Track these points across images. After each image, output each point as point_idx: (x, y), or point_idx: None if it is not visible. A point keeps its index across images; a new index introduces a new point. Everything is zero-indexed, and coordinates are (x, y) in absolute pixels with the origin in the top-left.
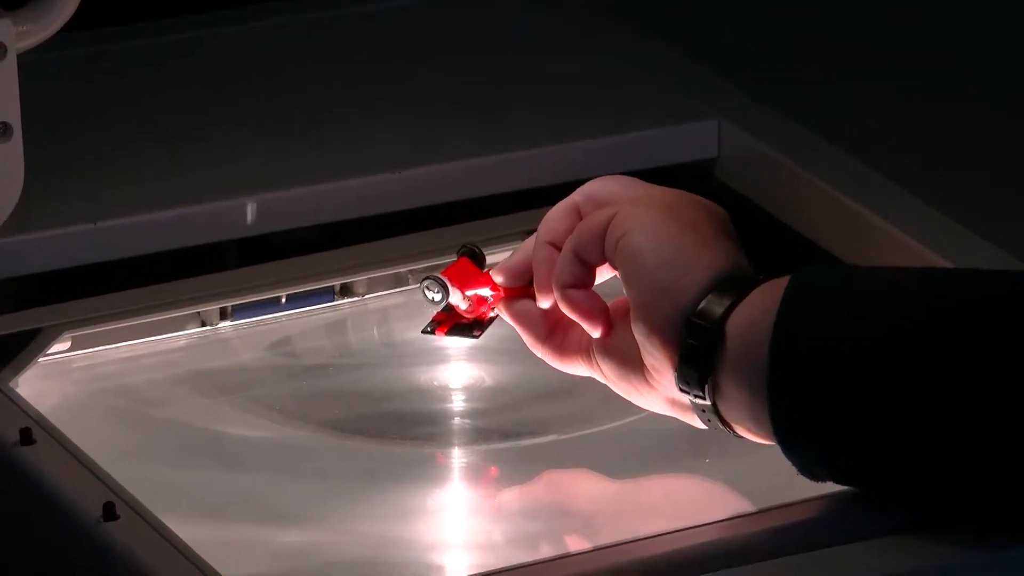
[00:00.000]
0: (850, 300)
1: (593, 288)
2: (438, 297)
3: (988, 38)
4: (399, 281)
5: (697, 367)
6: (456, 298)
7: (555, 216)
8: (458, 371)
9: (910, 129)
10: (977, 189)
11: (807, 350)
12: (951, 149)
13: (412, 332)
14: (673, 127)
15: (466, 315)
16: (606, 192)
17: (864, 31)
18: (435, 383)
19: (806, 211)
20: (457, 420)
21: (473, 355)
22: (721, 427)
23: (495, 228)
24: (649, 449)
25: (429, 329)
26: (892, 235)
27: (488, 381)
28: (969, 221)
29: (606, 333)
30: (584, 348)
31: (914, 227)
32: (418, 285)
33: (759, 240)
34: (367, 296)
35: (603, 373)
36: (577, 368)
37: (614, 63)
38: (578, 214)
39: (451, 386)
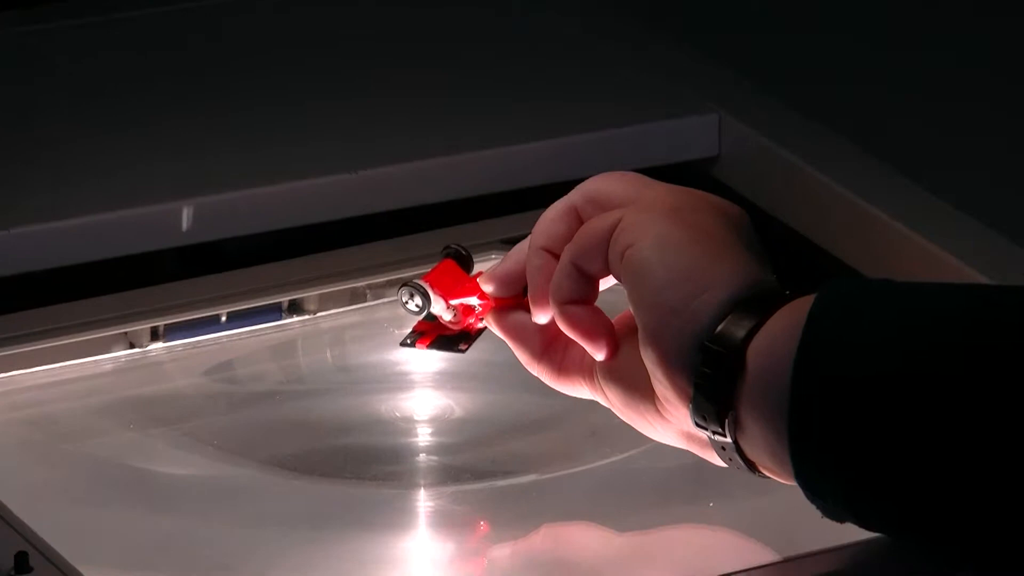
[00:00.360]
0: (884, 321)
1: (596, 302)
2: (418, 307)
3: (1021, 30)
4: (356, 297)
5: (714, 399)
6: (439, 307)
7: (551, 218)
8: (424, 400)
9: (932, 126)
10: (1005, 190)
11: (832, 379)
12: (976, 148)
13: (371, 355)
14: (669, 122)
15: (451, 326)
16: (609, 192)
17: (885, 21)
18: (397, 414)
19: (818, 215)
20: (423, 457)
21: (441, 381)
22: (744, 467)
23: (471, 235)
24: (644, 490)
25: (409, 341)
26: (914, 241)
27: (458, 411)
28: (995, 222)
29: (611, 356)
30: (586, 367)
31: (940, 233)
32: (377, 302)
33: (765, 249)
34: (319, 314)
35: (608, 399)
36: (578, 390)
37: (609, 53)
38: (577, 217)
39: (416, 417)
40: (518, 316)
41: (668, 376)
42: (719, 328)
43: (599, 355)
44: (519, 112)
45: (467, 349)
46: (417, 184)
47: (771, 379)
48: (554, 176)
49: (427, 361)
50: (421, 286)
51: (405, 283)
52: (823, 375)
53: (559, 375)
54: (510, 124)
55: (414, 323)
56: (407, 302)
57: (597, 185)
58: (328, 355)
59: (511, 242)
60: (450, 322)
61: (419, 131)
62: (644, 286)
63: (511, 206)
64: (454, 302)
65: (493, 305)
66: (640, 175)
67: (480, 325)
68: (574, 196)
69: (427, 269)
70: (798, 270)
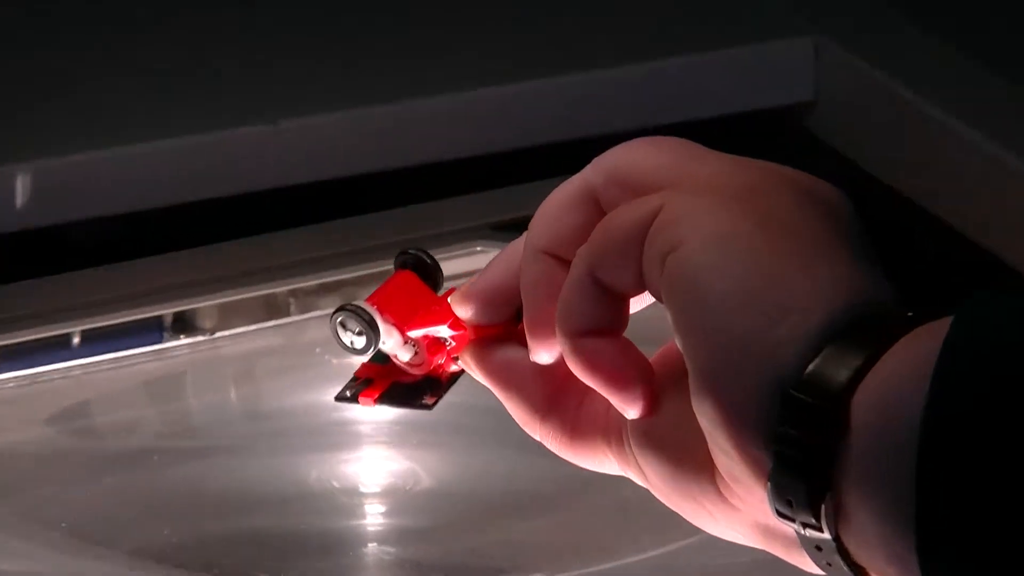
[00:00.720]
0: None
1: (625, 331)
2: (361, 340)
3: None
4: (273, 310)
5: (804, 475)
6: (393, 343)
7: (558, 205)
8: (374, 463)
9: None
10: None
11: (985, 442)
12: None
13: (295, 395)
14: (739, 51)
15: (412, 369)
16: (642, 167)
17: None
18: (335, 484)
19: (965, 193)
20: (372, 547)
21: (399, 436)
22: (849, 574)
23: (445, 217)
24: None
25: (349, 394)
26: None
27: (425, 480)
28: None
29: (648, 411)
30: (612, 429)
31: None
32: (304, 316)
33: (880, 241)
34: (219, 334)
35: (644, 474)
36: (600, 462)
37: None
38: (596, 204)
39: (363, 489)
40: (509, 354)
41: (734, 441)
42: (810, 369)
43: (631, 411)
44: (517, 40)
45: (435, 403)
46: (362, 142)
47: (889, 442)
48: (565, 132)
49: (379, 407)
50: (365, 311)
51: (341, 307)
52: (969, 436)
53: (572, 440)
54: (503, 56)
55: (356, 365)
56: (346, 338)
57: (624, 156)
58: (232, 395)
59: (503, 229)
60: (409, 363)
61: (368, 65)
62: (697, 308)
63: (503, 175)
64: (414, 334)
65: (472, 337)
66: (688, 142)
67: (454, 368)
68: (591, 173)
69: (375, 274)
70: (931, 276)
